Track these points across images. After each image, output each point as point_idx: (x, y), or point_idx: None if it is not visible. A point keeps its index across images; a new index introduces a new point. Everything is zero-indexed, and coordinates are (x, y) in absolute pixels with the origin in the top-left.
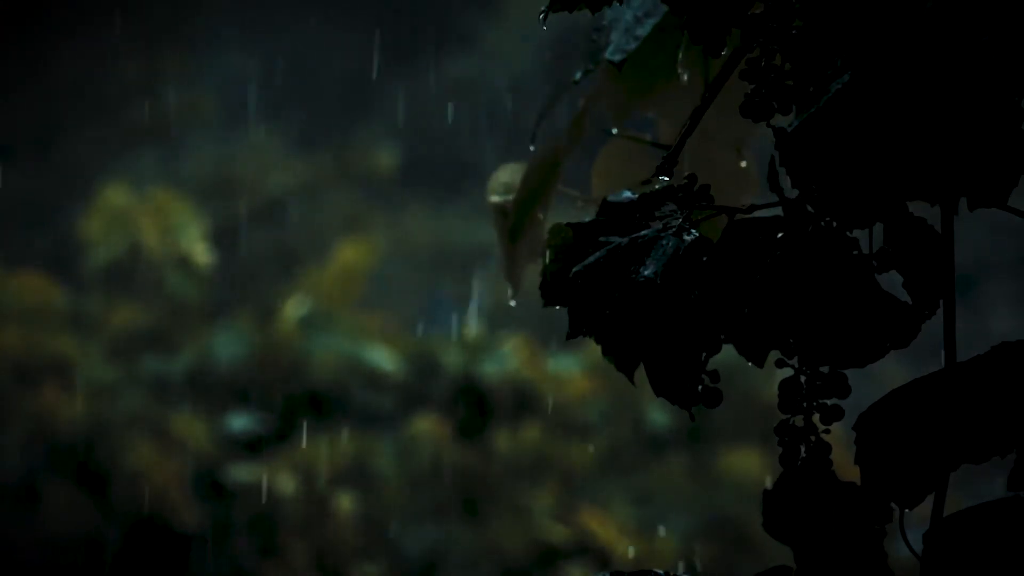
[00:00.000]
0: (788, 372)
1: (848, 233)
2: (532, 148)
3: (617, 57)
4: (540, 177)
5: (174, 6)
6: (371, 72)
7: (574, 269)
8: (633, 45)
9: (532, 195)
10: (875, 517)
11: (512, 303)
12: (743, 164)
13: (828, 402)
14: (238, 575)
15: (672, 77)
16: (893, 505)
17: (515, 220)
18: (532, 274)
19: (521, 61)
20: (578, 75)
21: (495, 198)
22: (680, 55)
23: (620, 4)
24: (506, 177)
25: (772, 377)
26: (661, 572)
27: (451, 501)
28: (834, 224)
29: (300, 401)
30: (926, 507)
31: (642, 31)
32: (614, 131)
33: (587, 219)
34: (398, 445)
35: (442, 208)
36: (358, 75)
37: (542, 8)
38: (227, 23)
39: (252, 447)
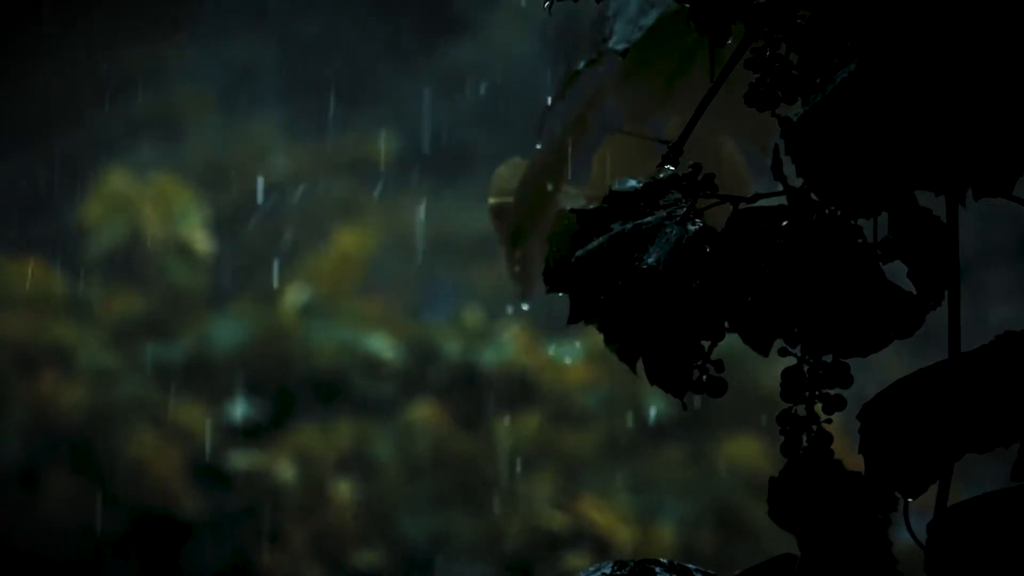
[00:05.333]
0: (790, 361)
1: (853, 222)
2: (539, 147)
3: (621, 47)
4: (542, 180)
5: None
6: (370, 60)
7: (576, 255)
8: (637, 35)
9: (536, 199)
10: (879, 506)
11: (524, 307)
12: (741, 161)
13: (831, 391)
14: (238, 562)
15: (682, 78)
16: (897, 495)
17: (516, 226)
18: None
19: (520, 49)
20: (581, 64)
21: (493, 200)
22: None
23: None
24: (506, 176)
25: (774, 365)
26: (665, 561)
27: (450, 488)
28: (839, 213)
29: (299, 388)
30: (929, 496)
31: (646, 21)
32: (628, 133)
33: (591, 207)
34: (397, 432)
35: (441, 195)
36: (357, 63)
37: None
38: (227, 11)
39: (252, 434)
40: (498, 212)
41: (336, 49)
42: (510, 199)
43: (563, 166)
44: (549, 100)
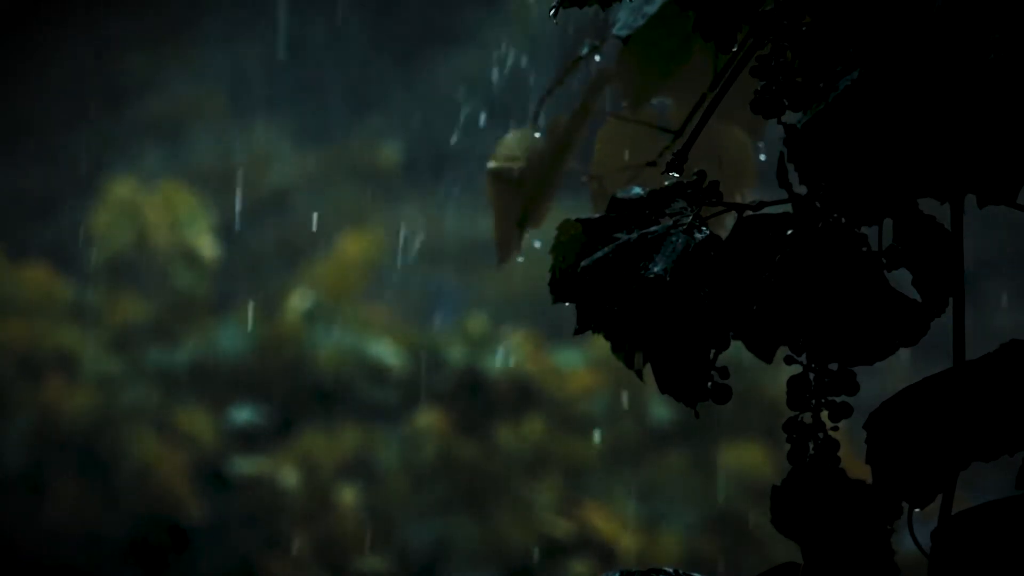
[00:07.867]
0: (796, 369)
1: (857, 230)
2: (537, 135)
3: (624, 33)
4: (551, 157)
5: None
6: (375, 66)
7: (582, 264)
8: (640, 22)
9: (545, 175)
10: (884, 515)
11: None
12: (761, 157)
13: (836, 399)
14: (241, 568)
15: (685, 61)
16: (904, 503)
17: (527, 201)
18: (535, 268)
19: (523, 56)
20: (584, 49)
21: (494, 164)
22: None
23: None
24: (512, 144)
25: (777, 372)
26: (670, 569)
27: (454, 495)
28: (843, 221)
29: (303, 394)
30: (932, 504)
31: (650, 9)
32: (630, 118)
33: (596, 216)
34: (401, 439)
35: (445, 202)
36: (362, 69)
37: (553, 4)
38: (232, 17)
39: (256, 440)
40: (496, 176)
41: (341, 55)
42: (511, 165)
43: (569, 147)
44: (553, 78)
